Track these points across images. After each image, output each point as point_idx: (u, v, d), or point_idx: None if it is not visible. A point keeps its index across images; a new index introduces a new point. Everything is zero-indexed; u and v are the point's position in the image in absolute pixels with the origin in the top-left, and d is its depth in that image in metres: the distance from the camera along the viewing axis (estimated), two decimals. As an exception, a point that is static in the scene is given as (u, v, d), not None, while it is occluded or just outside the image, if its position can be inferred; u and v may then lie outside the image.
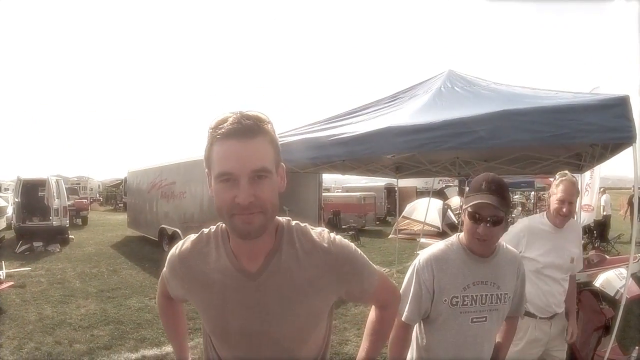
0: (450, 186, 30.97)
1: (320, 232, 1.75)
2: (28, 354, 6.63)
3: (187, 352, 2.27)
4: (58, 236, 17.99)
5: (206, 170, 1.57)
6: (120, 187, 39.72)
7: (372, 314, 2.09)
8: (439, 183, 18.42)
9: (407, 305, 2.60)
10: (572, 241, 3.97)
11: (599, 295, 5.44)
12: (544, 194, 32.57)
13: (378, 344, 2.05)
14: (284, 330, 1.67)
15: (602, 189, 17.57)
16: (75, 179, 46.54)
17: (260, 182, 1.46)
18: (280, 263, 1.64)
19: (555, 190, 3.79)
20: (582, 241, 12.14)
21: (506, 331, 2.89)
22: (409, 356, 2.79)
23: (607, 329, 4.76)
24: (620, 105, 4.05)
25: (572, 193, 3.72)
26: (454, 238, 2.73)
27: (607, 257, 9.63)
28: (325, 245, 1.70)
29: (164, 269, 1.91)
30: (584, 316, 5.34)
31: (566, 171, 3.85)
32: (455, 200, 24.76)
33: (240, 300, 1.65)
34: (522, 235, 3.88)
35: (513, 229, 3.94)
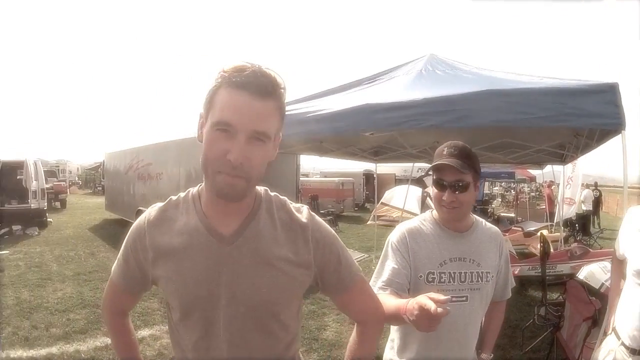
0: (429, 175, 31.22)
1: (299, 207, 1.69)
2: (5, 339, 6.58)
3: None
4: (36, 219, 17.87)
5: (202, 111, 1.47)
6: (99, 170, 39.48)
7: (352, 335, 1.87)
8: (417, 171, 18.44)
9: (382, 276, 2.38)
10: None
11: (584, 287, 5.33)
12: (523, 186, 32.90)
13: None
14: (255, 302, 1.53)
15: (584, 184, 17.67)
16: (55, 162, 46.21)
17: (256, 145, 1.39)
18: (258, 229, 1.56)
19: None
20: (564, 234, 12.17)
21: (492, 316, 2.73)
22: (389, 338, 2.66)
23: (595, 320, 4.58)
24: (609, 91, 4.00)
25: None
26: (427, 214, 2.61)
27: (590, 250, 9.73)
28: (304, 220, 1.63)
29: (118, 257, 1.73)
30: (572, 307, 5.37)
31: None
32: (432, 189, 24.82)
33: (210, 265, 1.51)
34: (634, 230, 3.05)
35: (624, 223, 3.19)
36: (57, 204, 27.18)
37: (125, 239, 1.67)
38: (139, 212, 13.43)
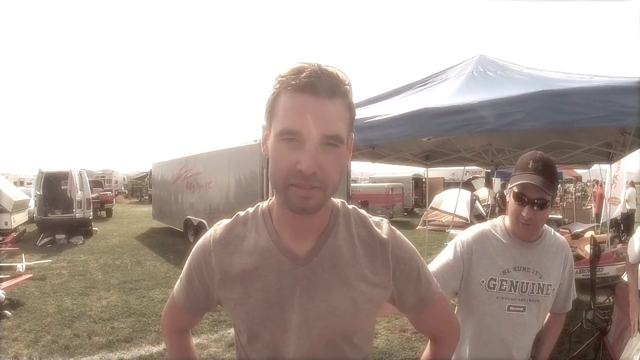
0: (477, 177, 30.80)
1: (379, 222, 1.57)
2: (44, 347, 6.57)
3: None
4: (81, 228, 18.11)
5: (264, 122, 1.37)
6: (146, 179, 39.85)
7: (426, 352, 1.83)
8: (465, 174, 18.31)
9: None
10: None
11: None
12: (569, 186, 32.37)
13: None
14: (330, 325, 1.44)
15: (628, 182, 17.31)
16: (100, 172, 46.72)
17: (328, 151, 1.25)
18: (334, 246, 1.46)
19: None
20: (610, 234, 11.96)
21: (550, 327, 2.73)
22: None
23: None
24: None
25: None
26: (498, 219, 2.60)
27: None
28: (385, 236, 1.52)
29: (181, 277, 1.65)
30: (619, 310, 5.27)
31: None
32: (483, 192, 24.61)
33: (282, 287, 1.42)
34: None
35: (638, 232, 3.46)
36: (103, 213, 27.37)
37: (189, 258, 1.59)
38: (187, 221, 13.80)
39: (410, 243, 1.60)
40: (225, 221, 1.56)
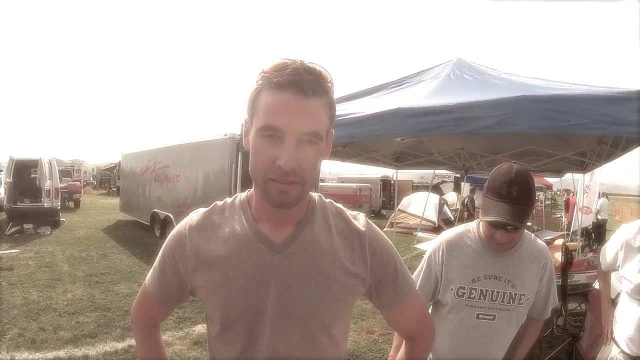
0: (446, 182, 31.12)
1: (355, 215, 1.60)
2: (11, 340, 6.51)
3: None
4: (49, 218, 17.88)
5: (246, 116, 1.39)
6: (114, 170, 39.57)
7: (400, 353, 1.83)
8: (434, 178, 18.56)
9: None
10: None
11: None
12: (539, 194, 32.79)
13: None
14: (307, 315, 1.43)
15: (600, 193, 17.61)
16: (70, 162, 46.34)
17: (307, 147, 1.28)
18: (312, 235, 1.46)
19: None
20: (580, 243, 12.11)
21: (526, 332, 2.67)
22: None
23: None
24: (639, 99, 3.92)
25: None
26: (473, 224, 2.56)
27: None
28: (362, 228, 1.54)
29: (154, 266, 1.62)
30: (592, 317, 5.33)
31: None
32: (451, 196, 24.94)
33: (257, 275, 1.42)
34: (619, 247, 3.36)
35: (611, 241, 3.50)
36: (71, 203, 27.23)
37: (164, 245, 1.58)
38: (154, 215, 13.62)
39: (387, 237, 1.61)
40: (202, 209, 1.57)
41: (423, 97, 5.20)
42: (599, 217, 17.91)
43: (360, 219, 1.57)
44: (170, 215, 14.56)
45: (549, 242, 12.22)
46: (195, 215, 1.55)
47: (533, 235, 2.56)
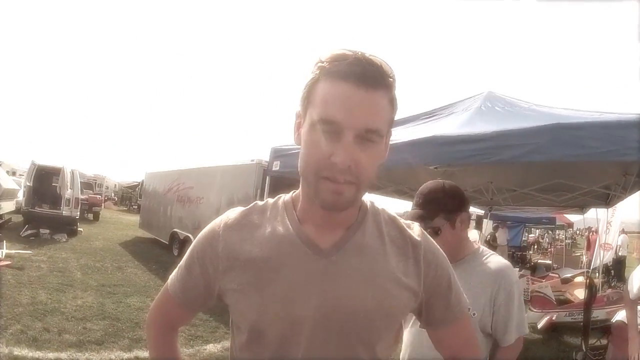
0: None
1: (409, 224, 1.45)
2: (12, 335, 6.43)
3: None
4: (66, 226, 17.76)
5: (299, 109, 1.28)
6: (137, 189, 39.58)
7: None
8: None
9: None
10: None
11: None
12: (559, 233, 32.51)
13: None
14: (350, 328, 1.27)
15: (621, 229, 17.57)
16: (93, 176, 46.49)
17: (366, 145, 1.17)
18: (362, 242, 1.32)
19: None
20: (600, 279, 12.04)
21: (492, 358, 2.56)
22: None
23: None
24: None
25: None
26: None
27: None
28: (417, 238, 1.40)
29: (179, 265, 1.48)
30: (615, 349, 5.46)
31: None
32: (472, 234, 24.63)
33: (297, 281, 1.27)
34: None
35: None
36: (90, 215, 26.93)
37: (193, 244, 1.44)
38: (173, 234, 13.62)
39: (441, 250, 1.47)
40: (240, 208, 1.44)
41: (456, 127, 5.21)
42: (619, 253, 17.82)
43: (414, 229, 1.43)
44: (190, 235, 14.40)
45: (569, 280, 12.26)
46: (232, 214, 1.42)
47: (491, 254, 2.54)
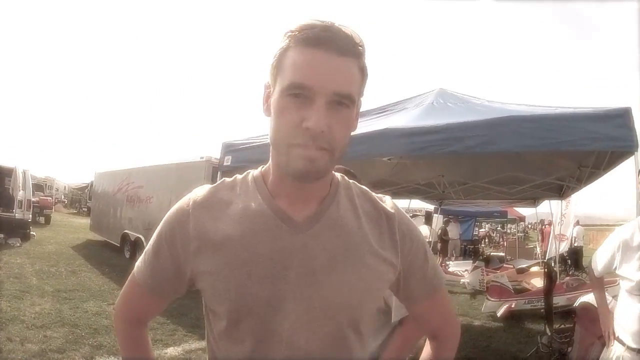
0: (417, 215, 31.30)
1: (381, 197, 1.41)
2: None
3: None
4: (19, 230, 17.22)
5: (268, 81, 1.23)
6: (86, 190, 38.95)
7: (424, 354, 1.61)
8: (407, 211, 18.66)
9: None
10: None
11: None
12: (511, 227, 33.25)
13: None
14: (334, 305, 1.22)
15: (576, 221, 18.05)
16: (43, 177, 45.67)
17: (338, 110, 1.12)
18: (338, 215, 1.27)
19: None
20: (557, 268, 12.34)
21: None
22: None
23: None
24: (622, 115, 4.22)
25: None
26: None
27: (586, 282, 9.88)
28: (391, 210, 1.35)
29: (146, 250, 1.37)
30: (582, 329, 5.64)
31: None
32: (423, 229, 24.98)
33: (275, 258, 1.20)
34: (616, 249, 3.43)
35: (605, 245, 3.57)
36: (42, 219, 26.35)
37: (160, 225, 1.34)
38: (124, 236, 13.30)
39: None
40: (208, 185, 1.36)
41: (409, 121, 5.23)
42: (575, 244, 18.39)
43: (387, 201, 1.39)
44: (141, 237, 14.13)
45: (525, 270, 12.55)
46: (200, 191, 1.34)
47: None
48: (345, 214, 1.29)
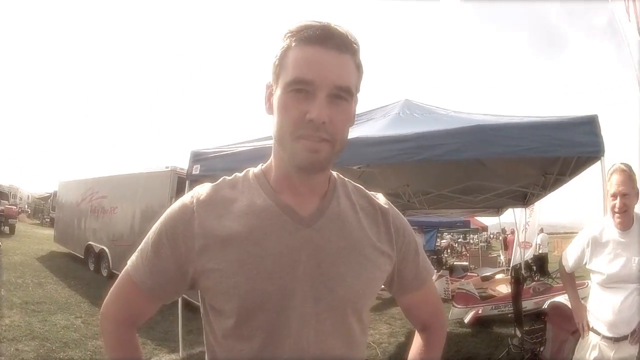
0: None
1: (374, 193, 1.50)
2: None
3: None
4: (-16, 240, 16.70)
5: (269, 81, 1.29)
6: (49, 200, 38.33)
7: (415, 345, 1.64)
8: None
9: None
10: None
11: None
12: (474, 237, 33.58)
13: None
14: (340, 297, 1.26)
15: (540, 229, 18.33)
16: (7, 186, 44.71)
17: (338, 103, 1.20)
18: (339, 210, 1.33)
19: (609, 186, 3.46)
20: (523, 274, 12.51)
21: None
22: None
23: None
24: (589, 123, 4.35)
25: (624, 182, 3.31)
26: None
27: (552, 285, 10.18)
28: (384, 205, 1.45)
29: (141, 248, 1.34)
30: (554, 327, 5.77)
31: (618, 163, 3.50)
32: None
33: (283, 253, 1.23)
34: (586, 245, 3.59)
35: (575, 242, 3.75)
36: (6, 228, 25.89)
37: (159, 223, 1.31)
38: (88, 247, 13.12)
39: None
40: (209, 183, 1.37)
41: (376, 131, 5.29)
42: (539, 251, 18.65)
43: (380, 197, 1.48)
44: (105, 249, 13.90)
45: (489, 277, 12.67)
46: (202, 189, 1.34)
47: None
48: (345, 209, 1.35)
